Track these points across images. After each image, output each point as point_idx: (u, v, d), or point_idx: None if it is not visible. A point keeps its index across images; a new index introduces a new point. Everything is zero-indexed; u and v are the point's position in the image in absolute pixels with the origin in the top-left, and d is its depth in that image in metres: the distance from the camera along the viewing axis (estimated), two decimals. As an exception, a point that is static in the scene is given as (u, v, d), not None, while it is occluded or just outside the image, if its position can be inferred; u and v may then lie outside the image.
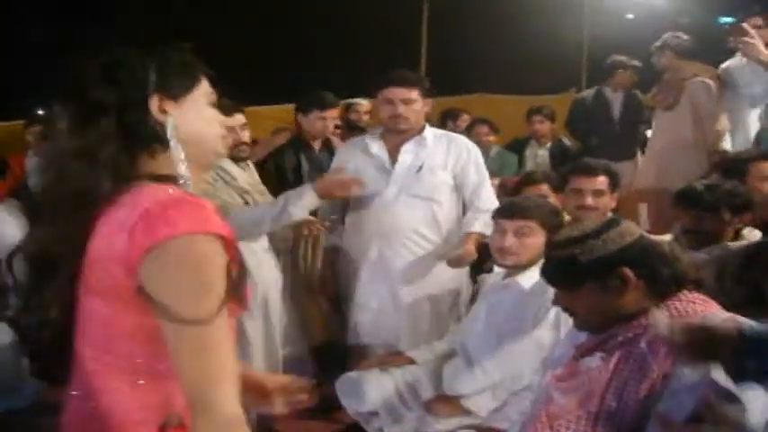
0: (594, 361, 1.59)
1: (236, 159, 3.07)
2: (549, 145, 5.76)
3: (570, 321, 1.80)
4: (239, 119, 3.07)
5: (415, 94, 3.06)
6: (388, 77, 3.10)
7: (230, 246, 1.14)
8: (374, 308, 3.07)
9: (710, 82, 4.81)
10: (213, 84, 1.35)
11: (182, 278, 1.10)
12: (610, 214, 2.88)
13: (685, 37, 4.92)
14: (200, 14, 11.05)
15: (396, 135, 3.12)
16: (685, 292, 1.61)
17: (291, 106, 4.46)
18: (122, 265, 1.12)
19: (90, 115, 1.21)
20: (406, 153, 3.10)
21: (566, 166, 3.52)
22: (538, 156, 5.80)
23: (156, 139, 1.24)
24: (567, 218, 2.72)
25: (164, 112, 1.25)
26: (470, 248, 3.00)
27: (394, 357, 2.73)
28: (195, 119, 1.28)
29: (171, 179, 1.22)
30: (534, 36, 9.94)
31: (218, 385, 1.10)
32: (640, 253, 1.61)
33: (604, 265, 1.60)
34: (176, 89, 1.27)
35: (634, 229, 1.65)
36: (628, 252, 1.60)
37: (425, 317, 3.05)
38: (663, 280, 1.61)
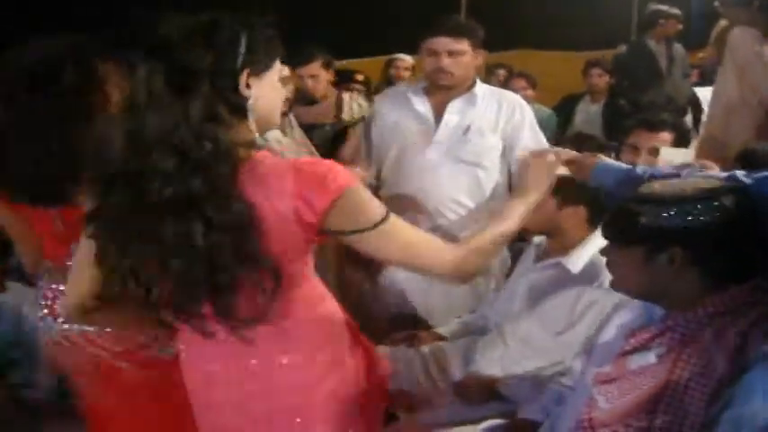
0: (649, 358, 1.35)
1: None
2: (602, 102, 5.43)
3: (622, 315, 1.57)
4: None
5: (464, 44, 2.70)
6: (433, 25, 2.74)
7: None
8: (403, 280, 2.82)
9: (751, 31, 4.49)
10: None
11: (358, 208, 1.39)
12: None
13: None
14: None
15: (442, 91, 2.79)
16: (758, 279, 1.35)
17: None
18: (302, 224, 1.35)
19: (185, 80, 1.29)
20: (453, 112, 2.78)
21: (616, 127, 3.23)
22: (590, 113, 5.48)
23: (239, 110, 1.35)
24: None
25: (248, 86, 1.35)
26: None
27: (423, 333, 2.51)
28: (269, 94, 1.41)
29: (252, 146, 1.36)
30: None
31: (427, 249, 1.45)
32: (712, 240, 1.35)
33: (659, 236, 1.38)
34: (260, 65, 1.38)
35: (731, 209, 1.35)
36: (694, 233, 1.35)
37: (459, 291, 2.78)
38: (723, 273, 1.37)
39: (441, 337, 2.46)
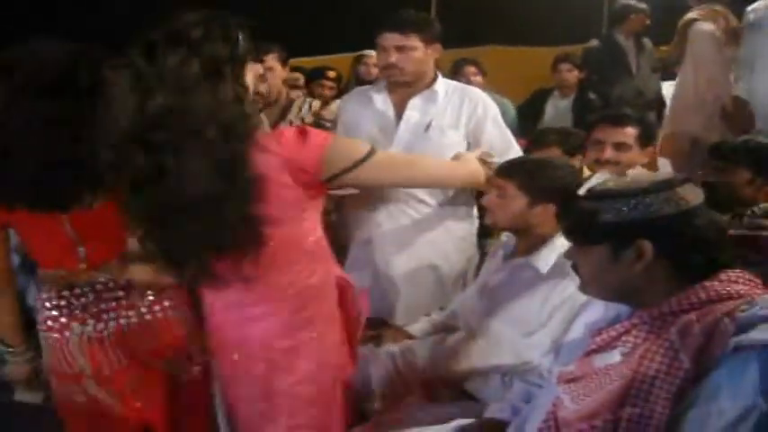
0: (613, 357, 1.33)
1: None
2: (572, 97, 5.43)
3: (589, 313, 1.55)
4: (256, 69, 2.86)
5: (413, 40, 2.63)
6: (383, 20, 2.69)
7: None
8: (369, 280, 2.76)
9: (710, 26, 4.57)
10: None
11: (347, 147, 1.78)
12: (640, 169, 2.62)
13: None
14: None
15: (402, 88, 2.74)
16: (727, 271, 1.34)
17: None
18: (299, 182, 1.65)
19: (214, 69, 1.55)
20: (413, 109, 2.73)
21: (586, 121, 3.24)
22: (559, 108, 5.48)
23: (244, 94, 1.62)
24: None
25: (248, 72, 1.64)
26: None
27: (391, 331, 2.48)
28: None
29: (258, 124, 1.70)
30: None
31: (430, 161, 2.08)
32: (677, 230, 1.34)
33: (624, 231, 1.36)
34: (249, 57, 1.64)
35: (691, 199, 1.35)
36: (658, 225, 1.33)
37: (423, 288, 2.77)
38: (692, 266, 1.35)
39: (409, 336, 2.44)
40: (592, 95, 5.32)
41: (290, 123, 3.72)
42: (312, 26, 8.27)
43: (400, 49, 2.64)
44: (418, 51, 2.66)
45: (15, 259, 4.07)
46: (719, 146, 2.70)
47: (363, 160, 1.72)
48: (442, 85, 2.79)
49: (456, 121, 2.75)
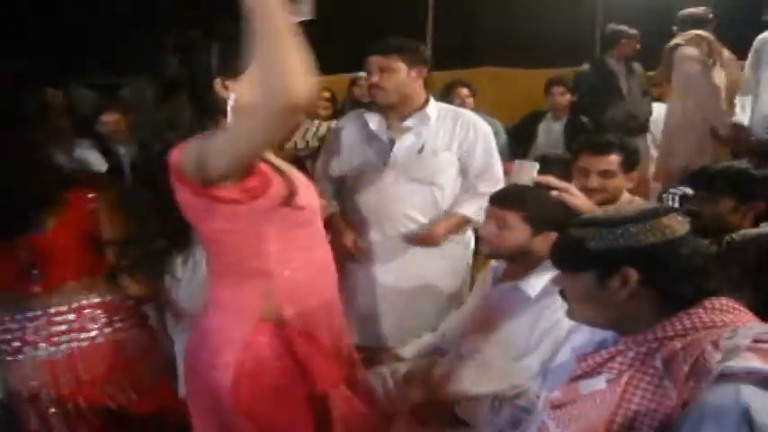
0: (598, 383, 1.34)
1: None
2: (564, 120, 5.47)
3: (576, 338, 1.56)
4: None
5: (394, 61, 2.72)
6: (368, 46, 2.79)
7: None
8: (360, 301, 2.82)
9: (694, 51, 4.66)
10: None
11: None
12: (627, 196, 2.64)
13: (692, 10, 4.81)
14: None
15: (395, 110, 2.81)
16: (712, 299, 1.35)
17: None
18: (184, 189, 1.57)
19: (168, 90, 1.62)
20: (407, 132, 2.81)
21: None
22: (552, 131, 5.52)
23: (218, 111, 1.60)
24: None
25: (225, 88, 1.60)
26: (438, 230, 2.77)
27: (382, 354, 2.49)
28: (250, 91, 1.53)
29: None
30: (544, 8, 9.57)
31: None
32: (663, 259, 1.36)
33: (609, 259, 1.38)
34: (234, 69, 1.58)
35: (676, 228, 1.37)
36: (643, 253, 1.35)
37: (415, 310, 2.80)
38: (677, 294, 1.36)
39: (400, 358, 2.44)
40: (584, 119, 5.36)
41: (295, 144, 3.74)
42: (308, 45, 8.32)
43: (383, 69, 2.73)
44: (401, 72, 2.73)
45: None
46: (701, 174, 2.71)
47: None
48: (434, 107, 2.85)
49: (449, 143, 2.81)
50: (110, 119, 4.73)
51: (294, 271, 1.65)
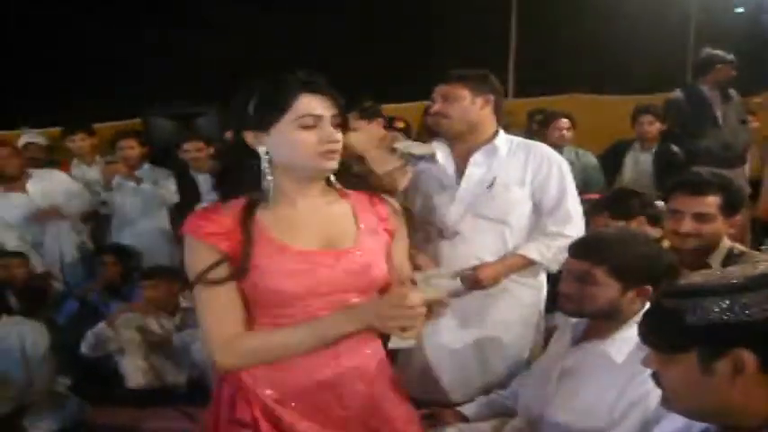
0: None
1: None
2: (653, 150, 5.13)
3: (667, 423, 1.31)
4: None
5: (459, 89, 2.58)
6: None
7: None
8: (421, 350, 2.58)
9: None
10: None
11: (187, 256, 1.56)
12: (727, 243, 2.31)
13: None
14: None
15: (462, 141, 2.64)
16: None
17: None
18: None
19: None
20: (476, 165, 2.61)
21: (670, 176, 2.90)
22: (639, 161, 5.18)
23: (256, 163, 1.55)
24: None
25: (259, 141, 1.54)
26: (484, 273, 2.52)
27: (445, 412, 2.25)
28: (283, 144, 1.52)
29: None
30: (635, 32, 9.20)
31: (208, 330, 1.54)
32: None
33: (717, 337, 1.10)
34: (264, 123, 1.52)
35: None
36: (760, 330, 1.08)
37: (481, 362, 2.57)
38: None
39: (464, 418, 2.21)
40: (675, 148, 5.01)
41: None
42: (383, 73, 8.26)
43: (445, 97, 2.61)
44: (465, 101, 2.60)
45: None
46: None
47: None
48: (504, 139, 2.66)
49: (521, 177, 2.60)
50: (191, 147, 4.76)
51: None
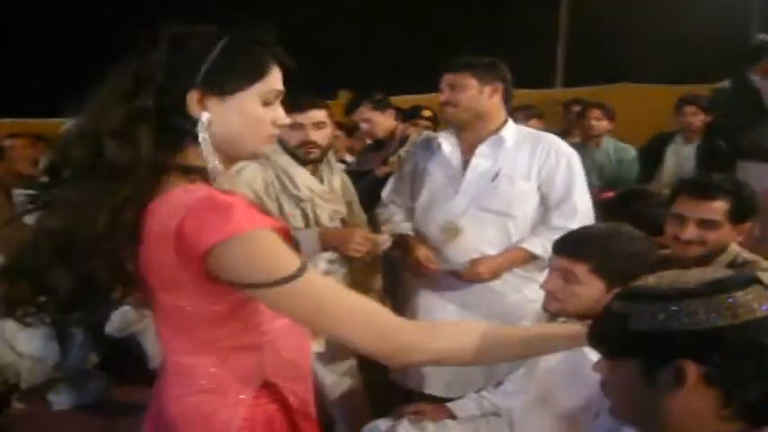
0: None
1: (301, 161, 2.54)
2: (696, 143, 4.92)
3: None
4: (314, 116, 2.54)
5: (466, 78, 2.53)
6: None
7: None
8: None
9: None
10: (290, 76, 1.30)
11: (254, 257, 1.14)
12: (735, 250, 2.15)
13: None
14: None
15: (468, 131, 2.59)
16: None
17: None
18: (184, 264, 1.15)
19: (131, 90, 1.19)
20: (480, 157, 2.56)
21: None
22: (681, 155, 4.99)
23: (184, 132, 1.21)
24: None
25: (203, 106, 1.21)
26: (482, 267, 2.47)
27: (432, 408, 2.20)
28: (237, 117, 1.24)
29: (200, 171, 1.21)
30: (692, 16, 8.86)
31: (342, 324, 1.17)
32: (733, 349, 0.99)
33: (660, 345, 1.02)
34: (224, 86, 1.22)
35: (756, 307, 1.00)
36: (707, 340, 1.00)
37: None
38: (752, 401, 0.99)
39: (452, 415, 2.16)
40: (720, 142, 4.79)
41: (399, 159, 3.53)
42: (410, 63, 8.15)
43: (452, 86, 2.57)
44: (472, 89, 2.54)
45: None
46: None
47: (263, 285, 1.14)
48: (512, 131, 2.59)
49: (527, 170, 2.54)
50: None
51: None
